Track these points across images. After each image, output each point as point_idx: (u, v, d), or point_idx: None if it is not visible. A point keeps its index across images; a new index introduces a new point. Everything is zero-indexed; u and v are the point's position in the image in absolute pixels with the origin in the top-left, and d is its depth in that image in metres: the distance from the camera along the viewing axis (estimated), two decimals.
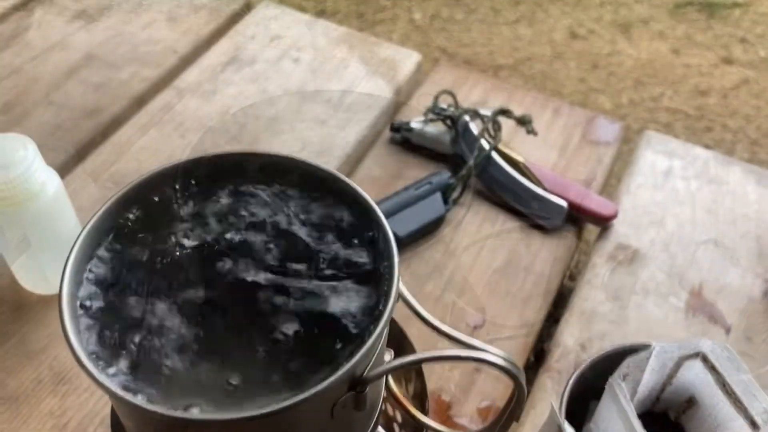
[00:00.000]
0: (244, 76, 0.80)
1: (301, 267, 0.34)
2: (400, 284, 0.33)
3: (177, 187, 0.37)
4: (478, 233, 0.68)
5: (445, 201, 0.68)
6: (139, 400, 0.29)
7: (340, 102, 0.78)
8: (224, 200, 0.37)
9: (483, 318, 0.62)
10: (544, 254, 0.66)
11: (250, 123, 0.76)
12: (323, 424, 0.32)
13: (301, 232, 0.35)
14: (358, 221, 0.36)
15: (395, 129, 0.74)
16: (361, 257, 0.34)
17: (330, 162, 0.72)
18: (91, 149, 0.73)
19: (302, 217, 0.36)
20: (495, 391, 0.57)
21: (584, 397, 0.47)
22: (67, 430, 0.54)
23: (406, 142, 0.75)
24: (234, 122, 0.76)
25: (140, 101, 0.78)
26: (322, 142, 0.74)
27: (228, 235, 0.35)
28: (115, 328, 0.32)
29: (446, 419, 0.56)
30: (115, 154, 0.72)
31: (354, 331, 0.32)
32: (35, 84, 0.78)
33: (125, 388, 0.30)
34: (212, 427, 0.29)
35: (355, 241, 0.35)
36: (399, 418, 0.50)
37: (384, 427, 0.47)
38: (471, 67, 2.15)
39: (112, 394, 0.29)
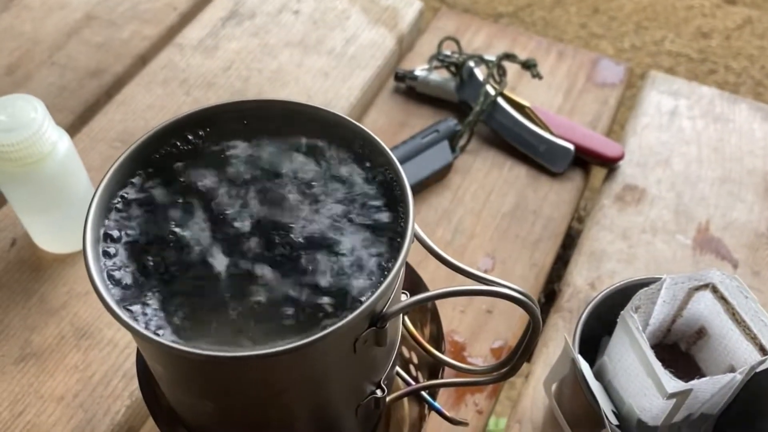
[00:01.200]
0: (245, 30, 0.80)
1: (318, 211, 0.34)
2: (415, 224, 0.34)
3: (190, 137, 0.37)
4: (486, 179, 0.68)
5: (452, 148, 0.68)
6: (169, 340, 0.30)
7: (343, 53, 0.78)
8: (240, 148, 0.37)
9: (492, 262, 0.63)
10: (552, 197, 0.67)
11: (253, 77, 0.76)
12: (347, 359, 0.34)
13: (317, 177, 0.36)
14: (372, 164, 0.36)
15: (399, 78, 0.74)
16: (377, 199, 0.35)
17: None
18: (96, 110, 0.73)
19: (317, 162, 0.36)
20: (507, 331, 0.59)
21: (595, 334, 0.48)
22: (92, 382, 0.55)
23: (410, 90, 0.75)
24: (237, 77, 0.75)
25: (143, 59, 0.78)
26: (326, 94, 0.74)
27: (245, 182, 0.36)
28: (138, 273, 0.33)
29: (460, 360, 0.57)
30: (121, 113, 0.72)
31: (373, 269, 0.33)
32: (37, 46, 0.77)
33: (153, 330, 0.31)
34: (238, 364, 0.30)
35: (370, 184, 0.35)
36: (415, 359, 0.52)
37: (403, 368, 0.48)
38: (474, 14, 2.12)
39: (145, 338, 0.30)
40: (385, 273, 0.32)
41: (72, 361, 0.56)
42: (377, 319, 0.33)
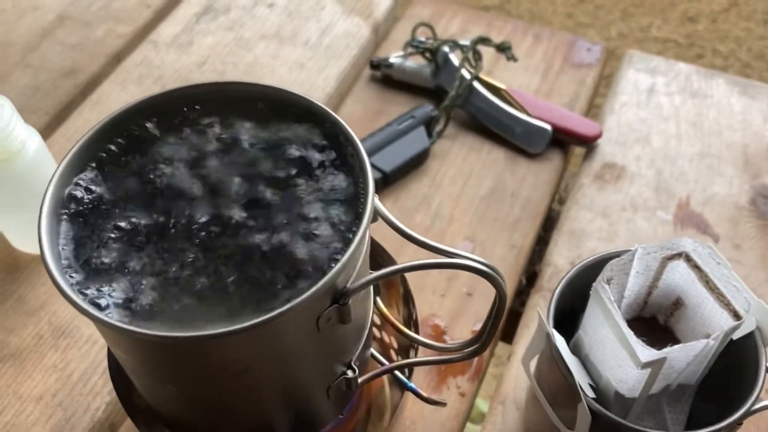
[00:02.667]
0: (220, 24, 0.79)
1: (278, 188, 0.34)
2: (375, 199, 0.33)
3: (153, 119, 0.37)
4: (463, 163, 0.68)
5: (429, 134, 0.68)
6: (125, 322, 0.29)
7: (318, 43, 0.77)
8: (197, 129, 0.37)
9: (473, 245, 0.62)
10: (530, 179, 0.66)
11: (228, 71, 0.75)
12: (311, 337, 0.33)
13: (276, 154, 0.35)
14: (330, 140, 0.36)
15: (375, 66, 0.74)
16: (337, 174, 0.34)
17: None
18: (71, 109, 0.73)
19: (276, 140, 0.36)
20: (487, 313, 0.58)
21: (575, 309, 0.48)
22: (71, 381, 0.55)
23: (387, 78, 0.74)
24: (213, 71, 0.75)
25: (117, 58, 0.77)
26: (302, 85, 0.74)
27: (205, 162, 0.35)
28: (95, 257, 0.32)
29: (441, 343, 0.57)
30: (96, 112, 0.72)
31: (334, 245, 0.32)
32: (10, 48, 0.77)
33: (108, 313, 0.30)
34: (194, 345, 0.30)
35: (330, 159, 0.35)
36: (395, 344, 0.51)
37: (382, 354, 0.48)
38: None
39: (101, 321, 0.29)
40: (345, 248, 0.32)
41: (50, 360, 0.56)
42: (340, 296, 0.32)
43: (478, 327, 0.58)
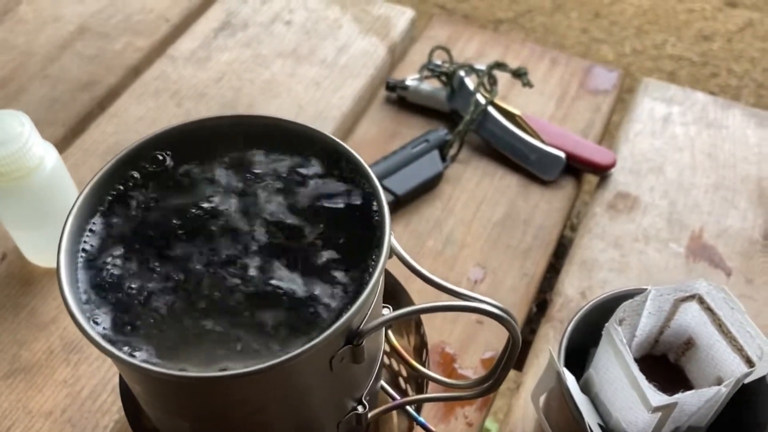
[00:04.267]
0: (238, 41, 0.80)
1: (295, 226, 0.34)
2: (392, 239, 0.34)
3: (170, 152, 0.37)
4: (476, 188, 0.68)
5: (443, 158, 0.68)
6: (141, 361, 0.30)
7: (335, 62, 0.78)
8: (214, 166, 0.37)
9: (484, 272, 0.62)
10: (543, 206, 0.66)
11: (245, 87, 0.76)
12: (323, 377, 0.33)
13: (295, 193, 0.35)
14: (348, 177, 0.36)
15: (390, 88, 0.74)
16: (353, 214, 0.34)
17: (326, 124, 0.72)
18: (88, 122, 0.73)
19: (296, 178, 0.36)
20: (497, 342, 0.58)
21: (585, 345, 0.48)
22: (80, 397, 0.55)
23: (402, 100, 0.74)
24: (229, 87, 0.75)
25: (135, 71, 0.78)
26: (317, 104, 0.74)
27: (220, 198, 0.35)
28: (112, 293, 0.32)
29: (451, 371, 0.57)
30: (113, 125, 0.72)
31: (348, 286, 0.32)
32: (30, 58, 0.77)
33: (124, 349, 0.31)
34: (210, 385, 0.30)
35: (346, 198, 0.35)
36: (404, 372, 0.51)
37: (389, 382, 0.48)
38: (467, 21, 2.12)
39: (118, 359, 0.30)
40: (360, 290, 0.32)
41: (61, 375, 0.56)
42: (354, 336, 0.32)
43: (488, 356, 0.58)
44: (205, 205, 0.35)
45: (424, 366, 0.41)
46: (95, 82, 0.76)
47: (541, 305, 0.63)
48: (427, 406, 0.54)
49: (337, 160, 0.37)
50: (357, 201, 0.35)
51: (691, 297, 0.43)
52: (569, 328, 0.45)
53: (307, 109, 0.74)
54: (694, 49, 2.13)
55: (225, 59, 0.78)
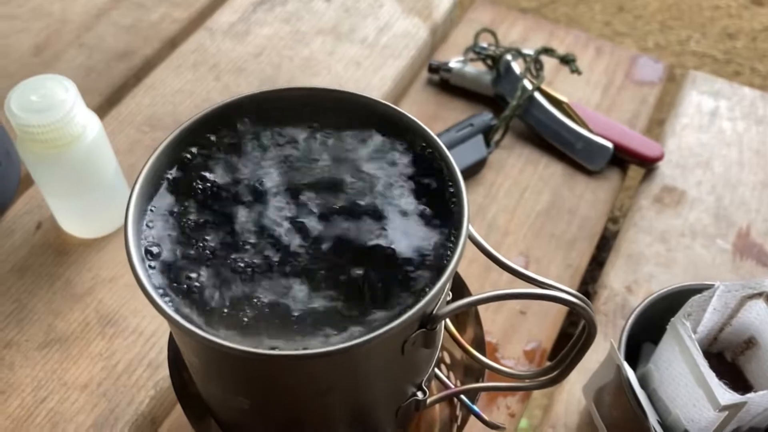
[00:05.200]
0: (277, 16, 0.78)
1: (370, 205, 0.33)
2: (470, 224, 0.32)
3: (238, 124, 0.36)
4: (520, 175, 0.66)
5: (487, 143, 0.66)
6: (210, 333, 0.29)
7: (376, 42, 0.76)
8: (285, 137, 0.36)
9: (526, 260, 0.61)
10: (588, 196, 0.65)
11: (284, 64, 0.74)
12: (393, 360, 0.32)
13: (368, 170, 0.34)
14: (425, 160, 0.35)
15: (433, 70, 0.73)
16: (431, 199, 0.33)
17: None
18: (124, 92, 0.72)
19: (368, 155, 0.35)
20: (541, 333, 0.57)
21: (636, 340, 0.47)
22: (116, 371, 0.54)
23: (444, 83, 0.73)
24: (269, 63, 0.74)
25: (172, 43, 0.76)
26: (357, 84, 0.73)
27: (296, 169, 0.34)
28: (181, 259, 0.31)
29: (493, 361, 0.56)
30: (150, 97, 0.71)
31: (427, 269, 0.31)
32: (65, 26, 0.76)
33: (194, 321, 0.30)
34: (287, 363, 0.29)
35: (424, 180, 0.34)
36: (448, 359, 0.50)
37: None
38: (510, 5, 2.10)
39: (187, 331, 0.28)
40: (439, 273, 0.31)
41: (96, 348, 0.55)
42: (427, 321, 0.31)
43: (530, 347, 0.57)
44: (278, 173, 0.34)
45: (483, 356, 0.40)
46: (131, 53, 0.75)
47: None
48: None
49: (413, 141, 0.35)
50: (435, 183, 0.34)
51: (759, 295, 0.42)
52: (629, 322, 0.44)
53: (346, 88, 0.72)
54: (718, 46, 2.10)
55: (264, 34, 0.77)
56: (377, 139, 0.35)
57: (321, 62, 0.74)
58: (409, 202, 0.33)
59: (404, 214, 0.33)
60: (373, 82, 0.73)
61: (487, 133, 0.66)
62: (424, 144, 0.35)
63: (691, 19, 2.14)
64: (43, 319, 0.56)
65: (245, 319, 0.29)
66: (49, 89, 0.52)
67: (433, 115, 0.71)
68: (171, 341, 0.43)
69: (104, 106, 0.71)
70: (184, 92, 0.71)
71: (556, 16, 2.10)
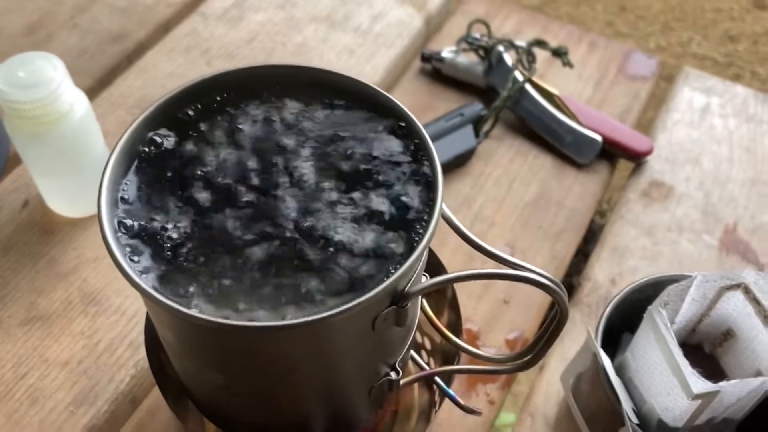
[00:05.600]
0: (272, 2, 0.78)
1: (346, 181, 0.33)
2: (443, 203, 0.32)
3: (207, 101, 0.36)
4: (509, 166, 0.66)
5: (477, 133, 0.66)
6: (183, 305, 0.29)
7: (369, 30, 0.76)
8: (257, 113, 0.36)
9: (512, 251, 0.61)
10: (576, 189, 0.65)
11: (277, 50, 0.74)
12: (364, 337, 0.32)
13: (342, 147, 0.34)
14: (400, 136, 0.35)
15: (426, 59, 0.72)
16: (405, 175, 0.33)
17: None
18: (116, 74, 0.72)
19: (342, 131, 0.35)
20: (524, 322, 0.57)
21: (614, 329, 0.47)
22: (97, 349, 0.54)
23: (436, 72, 0.73)
24: (261, 49, 0.74)
25: (166, 27, 0.76)
26: (350, 72, 0.72)
27: (265, 148, 0.34)
28: (154, 241, 0.31)
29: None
30: (141, 80, 0.71)
31: (398, 245, 0.31)
32: (59, 6, 0.76)
33: (167, 294, 0.30)
34: (257, 335, 0.29)
35: (399, 158, 0.34)
36: (428, 345, 0.50)
37: (414, 353, 0.47)
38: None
39: (157, 302, 0.28)
40: (411, 250, 0.31)
41: (78, 327, 0.55)
42: (399, 298, 0.31)
43: (512, 336, 0.57)
44: (252, 149, 0.34)
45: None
46: (124, 35, 0.75)
47: (566, 288, 0.61)
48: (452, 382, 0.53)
49: (388, 118, 0.35)
50: (408, 160, 0.34)
51: (737, 286, 0.42)
52: (608, 310, 0.44)
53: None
54: (719, 49, 2.10)
55: (258, 20, 0.76)
56: (355, 115, 0.35)
57: (314, 49, 0.74)
58: (385, 180, 0.33)
59: (380, 190, 0.33)
60: (365, 71, 0.73)
61: (477, 123, 0.66)
62: (402, 124, 0.35)
63: (693, 21, 2.14)
64: (26, 296, 0.56)
65: (215, 291, 0.29)
66: (37, 66, 0.52)
67: (425, 105, 0.71)
68: (148, 322, 0.43)
69: (95, 87, 0.71)
70: (176, 76, 0.71)
71: (558, 15, 2.09)
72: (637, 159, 0.67)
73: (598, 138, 0.66)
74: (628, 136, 0.67)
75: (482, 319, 0.57)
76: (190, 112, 0.35)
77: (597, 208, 0.66)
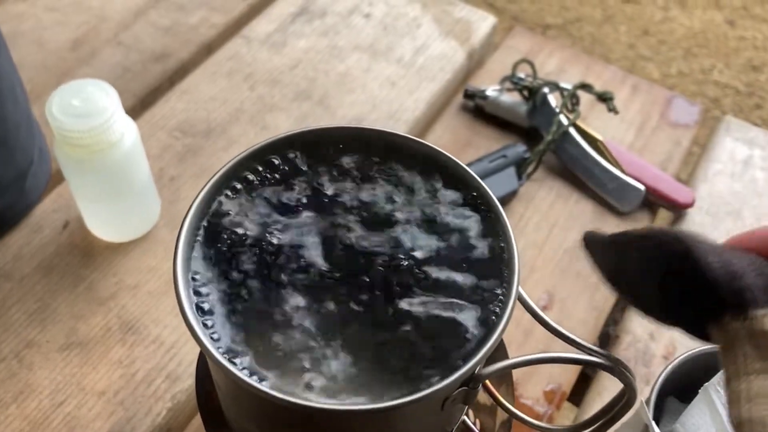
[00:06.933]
0: (315, 29, 0.78)
1: (420, 255, 0.33)
2: (519, 285, 0.32)
3: (291, 156, 0.36)
4: (550, 210, 0.66)
5: (519, 175, 0.66)
6: (261, 384, 0.28)
7: (412, 62, 0.76)
8: (337, 176, 0.36)
9: (549, 298, 0.61)
10: None
11: (319, 78, 0.74)
12: (431, 416, 0.32)
13: (420, 217, 0.34)
14: (478, 214, 0.35)
15: (469, 96, 0.72)
16: (481, 255, 0.33)
17: (399, 126, 0.71)
18: (158, 96, 0.72)
19: (422, 201, 0.35)
20: (561, 375, 0.57)
21: (660, 393, 0.46)
22: (135, 380, 0.54)
23: (478, 109, 0.73)
24: (304, 76, 0.74)
25: (208, 48, 0.76)
26: (391, 104, 0.73)
27: (344, 211, 0.34)
28: (224, 298, 0.31)
29: (514, 401, 0.56)
30: (184, 102, 0.71)
31: (473, 329, 0.31)
32: (103, 23, 0.76)
33: (227, 356, 0.29)
34: (323, 415, 0.29)
35: (473, 236, 0.34)
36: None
37: None
38: (548, 35, 2.09)
39: (235, 378, 0.28)
40: (488, 331, 0.31)
41: (116, 355, 0.55)
42: (470, 380, 0.31)
43: (550, 387, 0.56)
44: (329, 213, 0.34)
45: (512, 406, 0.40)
46: (167, 55, 0.75)
47: (601, 338, 0.61)
48: None
49: (465, 192, 0.35)
50: (485, 241, 0.34)
51: None
52: (660, 380, 0.43)
53: (380, 107, 0.72)
54: (741, 77, 2.10)
55: (301, 46, 0.76)
56: (430, 186, 0.35)
57: (356, 79, 0.74)
58: (459, 259, 0.33)
59: (454, 271, 0.32)
60: (406, 104, 0.73)
61: (520, 165, 0.66)
62: (474, 194, 0.35)
63: (716, 48, 2.13)
64: (66, 321, 0.56)
65: (285, 363, 0.29)
66: (90, 94, 0.52)
67: (465, 142, 0.71)
68: (201, 360, 0.43)
69: (137, 107, 0.71)
70: (218, 100, 0.71)
71: (580, 35, 2.09)
72: (678, 210, 0.67)
73: (641, 187, 0.65)
74: (671, 186, 0.66)
75: (520, 370, 0.57)
76: (254, 177, 0.35)
77: None
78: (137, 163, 0.57)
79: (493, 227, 0.34)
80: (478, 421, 0.47)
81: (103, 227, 0.60)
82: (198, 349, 0.55)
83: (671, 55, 2.12)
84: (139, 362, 0.55)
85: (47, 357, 0.55)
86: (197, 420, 0.55)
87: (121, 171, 0.55)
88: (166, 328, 0.57)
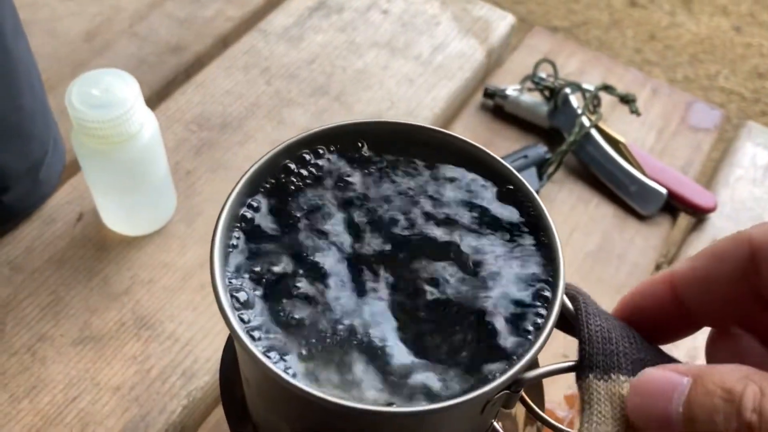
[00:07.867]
0: (332, 23, 0.77)
1: (466, 259, 0.32)
2: (564, 295, 0.32)
3: (331, 149, 0.35)
4: (570, 213, 0.65)
5: (540, 177, 0.65)
6: (311, 388, 0.27)
7: (430, 60, 0.75)
8: (375, 173, 0.35)
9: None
10: (639, 242, 0.64)
11: (336, 74, 0.73)
12: (470, 419, 0.31)
13: (466, 219, 0.33)
14: (520, 215, 0.34)
15: (489, 95, 0.71)
16: (528, 258, 0.32)
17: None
18: (174, 88, 0.71)
19: (470, 201, 0.34)
20: None
21: None
22: (150, 376, 0.53)
23: (497, 109, 0.72)
24: (321, 72, 0.73)
25: (224, 41, 0.75)
26: (409, 102, 0.72)
27: (384, 211, 0.33)
28: (264, 300, 0.30)
29: None
30: (200, 95, 0.70)
31: (518, 332, 0.30)
32: (119, 13, 0.75)
33: (267, 353, 0.28)
34: (364, 417, 0.28)
35: (521, 237, 0.33)
36: None
37: None
38: (568, 36, 2.08)
39: (279, 379, 0.27)
40: (533, 337, 0.30)
41: (131, 350, 0.54)
42: (513, 383, 0.30)
43: (571, 392, 0.55)
44: (369, 212, 0.33)
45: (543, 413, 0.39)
46: (183, 48, 0.74)
47: None
48: None
49: (505, 192, 0.34)
50: (530, 240, 0.33)
51: None
52: None
53: (398, 105, 0.71)
54: (746, 84, 2.10)
55: (318, 41, 0.75)
56: (473, 187, 0.34)
57: (374, 75, 0.73)
58: (503, 257, 0.32)
59: (498, 271, 0.32)
60: (425, 102, 0.72)
61: (541, 166, 0.65)
62: (519, 197, 0.34)
63: (722, 54, 2.13)
64: (80, 315, 0.55)
65: (321, 362, 0.28)
66: (111, 84, 0.51)
67: (485, 142, 0.69)
68: (228, 347, 0.41)
69: (153, 99, 0.70)
70: (234, 94, 0.70)
71: (587, 38, 2.08)
72: (700, 214, 0.66)
73: (663, 190, 0.65)
74: (693, 190, 0.66)
75: None
76: (289, 172, 0.34)
77: (657, 263, 0.65)
78: (156, 156, 0.56)
79: (536, 226, 0.33)
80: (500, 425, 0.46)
81: (118, 220, 0.59)
82: (218, 342, 0.54)
83: (677, 60, 2.12)
84: (154, 358, 0.54)
85: (60, 351, 0.54)
86: (212, 418, 0.54)
87: (140, 163, 0.54)
88: (182, 324, 0.56)
